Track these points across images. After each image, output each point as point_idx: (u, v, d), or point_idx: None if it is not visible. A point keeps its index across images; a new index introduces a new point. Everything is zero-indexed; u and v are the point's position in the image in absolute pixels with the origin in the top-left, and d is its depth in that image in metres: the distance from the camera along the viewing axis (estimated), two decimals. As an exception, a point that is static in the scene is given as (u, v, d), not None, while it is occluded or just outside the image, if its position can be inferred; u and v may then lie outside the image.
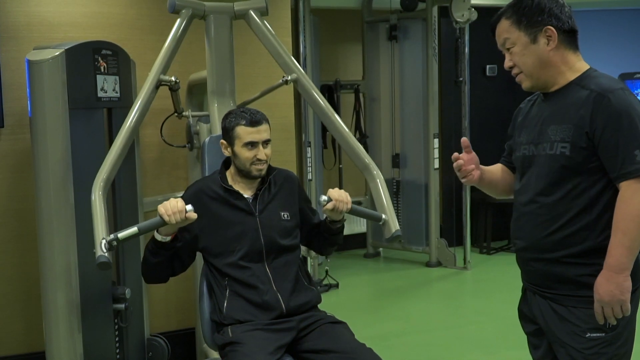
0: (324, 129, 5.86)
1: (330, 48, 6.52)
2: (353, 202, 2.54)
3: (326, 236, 2.65)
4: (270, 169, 2.64)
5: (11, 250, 3.54)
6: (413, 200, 6.23)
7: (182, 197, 2.45)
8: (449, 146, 6.08)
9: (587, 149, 1.97)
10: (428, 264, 6.10)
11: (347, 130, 3.12)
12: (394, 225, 2.78)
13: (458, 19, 5.63)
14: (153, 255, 2.42)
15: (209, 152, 2.87)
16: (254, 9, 3.18)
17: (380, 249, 6.58)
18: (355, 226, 6.55)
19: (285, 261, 2.55)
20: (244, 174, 2.57)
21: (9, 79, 3.44)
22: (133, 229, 2.31)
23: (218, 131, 2.94)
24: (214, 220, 2.53)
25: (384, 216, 2.76)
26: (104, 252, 2.39)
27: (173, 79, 3.03)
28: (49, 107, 2.90)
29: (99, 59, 3.03)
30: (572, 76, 2.06)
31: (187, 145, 3.48)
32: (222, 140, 2.60)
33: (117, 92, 3.13)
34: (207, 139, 2.92)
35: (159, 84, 3.00)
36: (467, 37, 5.82)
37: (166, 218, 2.28)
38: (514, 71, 2.11)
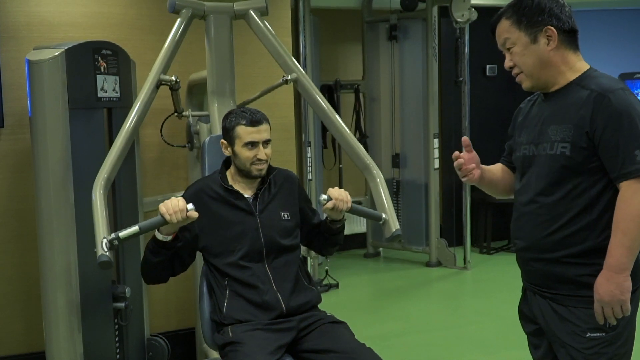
0: (324, 129, 5.86)
1: (330, 48, 6.52)
2: (353, 202, 2.54)
3: (326, 236, 2.65)
4: (270, 168, 2.64)
5: (11, 250, 3.54)
6: (413, 200, 6.23)
7: (182, 196, 2.45)
8: (449, 146, 6.08)
9: (587, 149, 1.97)
10: (428, 264, 6.09)
11: (347, 130, 3.11)
12: (394, 225, 2.78)
13: (458, 19, 5.63)
14: (154, 254, 2.42)
15: (209, 152, 2.87)
16: (254, 9, 3.18)
17: (380, 249, 6.58)
18: (355, 226, 6.55)
19: (286, 261, 2.55)
20: (244, 174, 2.57)
21: (9, 79, 3.44)
22: (134, 228, 2.31)
23: (218, 131, 2.94)
24: (214, 220, 2.53)
25: (384, 215, 2.75)
26: (105, 251, 2.39)
27: (173, 78, 3.02)
28: (49, 107, 2.90)
29: (99, 59, 3.03)
30: (572, 76, 2.06)
31: (187, 145, 3.48)
32: (222, 140, 2.60)
33: (117, 92, 3.13)
34: (207, 139, 2.92)
35: (159, 83, 3.00)
36: (467, 37, 5.81)
37: (167, 217, 2.27)
38: (514, 71, 2.11)
